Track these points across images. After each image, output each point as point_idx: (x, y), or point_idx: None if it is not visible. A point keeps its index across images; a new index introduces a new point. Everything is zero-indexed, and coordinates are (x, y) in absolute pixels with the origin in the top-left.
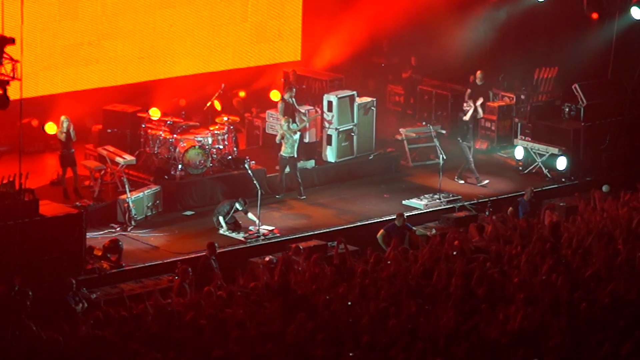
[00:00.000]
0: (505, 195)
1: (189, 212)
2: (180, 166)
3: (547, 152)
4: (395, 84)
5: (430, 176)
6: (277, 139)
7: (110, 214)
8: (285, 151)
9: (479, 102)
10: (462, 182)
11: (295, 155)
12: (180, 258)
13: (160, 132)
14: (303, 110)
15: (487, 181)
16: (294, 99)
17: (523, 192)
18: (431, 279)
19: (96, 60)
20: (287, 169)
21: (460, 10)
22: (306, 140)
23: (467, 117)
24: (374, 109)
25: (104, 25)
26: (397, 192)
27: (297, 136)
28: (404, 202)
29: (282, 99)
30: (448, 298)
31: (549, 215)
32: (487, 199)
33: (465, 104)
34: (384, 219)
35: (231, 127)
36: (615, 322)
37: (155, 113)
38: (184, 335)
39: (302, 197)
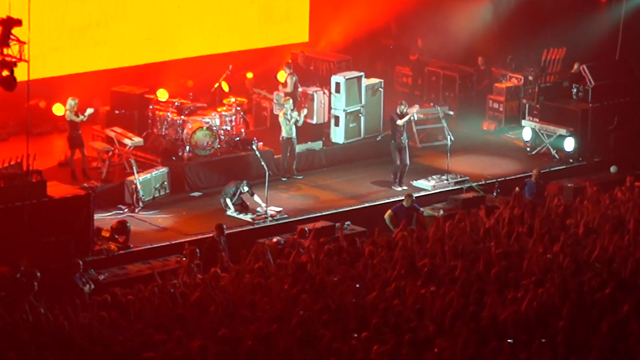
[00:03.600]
0: (513, 176)
1: (196, 194)
2: (187, 147)
3: (555, 133)
4: (403, 66)
5: (438, 157)
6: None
7: (118, 195)
8: (286, 133)
9: (414, 109)
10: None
11: (294, 137)
12: (188, 239)
13: (168, 114)
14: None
15: (402, 188)
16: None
17: (530, 174)
18: (439, 260)
19: (104, 41)
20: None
21: None
22: (314, 121)
23: (400, 123)
24: (382, 90)
25: (112, 6)
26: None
27: (295, 118)
28: (411, 183)
29: (286, 82)
30: (455, 279)
31: (550, 196)
32: (495, 180)
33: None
34: (392, 200)
35: (238, 109)
36: (622, 305)
37: (162, 94)
38: (190, 316)
39: (299, 177)
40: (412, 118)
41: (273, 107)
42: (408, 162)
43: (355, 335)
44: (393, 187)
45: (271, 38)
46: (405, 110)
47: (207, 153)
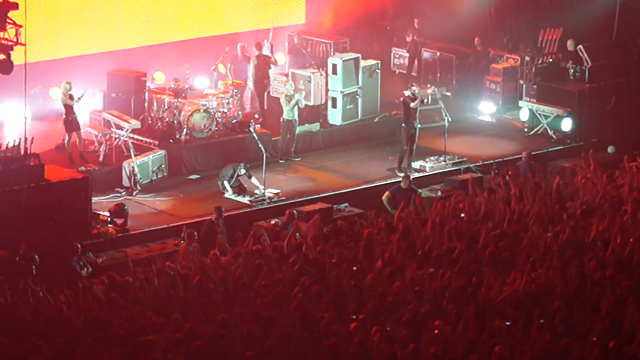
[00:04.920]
0: (511, 157)
1: (194, 176)
2: (185, 130)
3: (552, 114)
4: (399, 47)
5: (435, 138)
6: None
7: (115, 178)
8: (287, 115)
9: (429, 91)
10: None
11: (295, 119)
12: (186, 222)
13: (165, 96)
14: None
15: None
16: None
17: (521, 156)
18: (438, 242)
19: (100, 24)
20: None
21: None
22: (311, 103)
23: (413, 105)
24: (379, 71)
25: None
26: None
27: (297, 99)
28: (412, 163)
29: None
30: (454, 260)
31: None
32: (492, 161)
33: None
34: (389, 181)
35: (236, 91)
36: (621, 284)
37: (159, 77)
38: (189, 299)
39: (297, 159)
40: (425, 101)
41: (270, 90)
42: (414, 148)
43: (354, 317)
44: (397, 173)
45: (268, 20)
46: (417, 92)
47: (204, 135)
